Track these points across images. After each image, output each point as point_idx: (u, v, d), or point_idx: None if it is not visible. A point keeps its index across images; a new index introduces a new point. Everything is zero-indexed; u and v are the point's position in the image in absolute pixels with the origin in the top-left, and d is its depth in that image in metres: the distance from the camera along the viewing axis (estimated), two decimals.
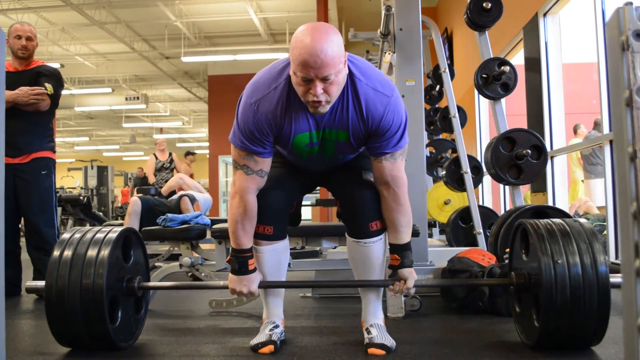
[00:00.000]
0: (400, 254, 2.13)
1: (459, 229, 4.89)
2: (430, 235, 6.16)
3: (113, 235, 2.18)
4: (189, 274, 3.60)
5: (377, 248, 2.16)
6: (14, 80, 3.52)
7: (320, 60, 1.75)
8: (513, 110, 6.50)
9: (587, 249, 1.97)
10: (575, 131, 6.85)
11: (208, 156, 17.28)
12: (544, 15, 5.42)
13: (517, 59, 6.52)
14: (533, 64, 5.63)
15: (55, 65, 14.47)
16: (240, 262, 2.12)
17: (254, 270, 2.16)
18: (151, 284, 2.51)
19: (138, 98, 17.84)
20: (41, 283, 2.14)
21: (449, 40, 9.69)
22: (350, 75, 1.94)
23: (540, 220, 2.14)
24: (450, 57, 9.62)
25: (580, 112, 7.98)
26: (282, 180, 2.20)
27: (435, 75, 5.96)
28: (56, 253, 2.13)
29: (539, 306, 2.02)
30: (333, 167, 2.26)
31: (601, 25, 4.34)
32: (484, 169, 4.11)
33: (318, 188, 2.61)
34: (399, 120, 1.99)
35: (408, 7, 3.39)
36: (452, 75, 5.50)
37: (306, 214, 14.02)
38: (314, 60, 1.75)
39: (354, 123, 1.98)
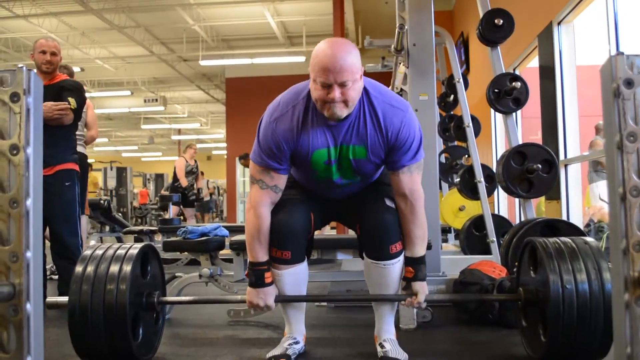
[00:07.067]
0: (414, 267, 2.20)
1: (472, 236, 4.93)
2: (445, 240, 6.21)
3: (134, 251, 2.26)
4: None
5: (395, 269, 2.22)
6: None
7: (339, 65, 1.90)
8: (530, 113, 6.50)
9: (593, 267, 2.03)
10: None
11: (226, 157, 17.42)
12: (558, 24, 5.44)
13: (534, 63, 6.52)
14: (547, 72, 5.65)
15: (76, 69, 14.69)
16: (257, 275, 2.19)
17: (271, 283, 2.21)
18: (170, 298, 2.62)
19: (156, 100, 18.14)
20: (62, 299, 2.18)
21: (465, 44, 9.66)
22: (366, 92, 2.06)
23: (549, 239, 2.21)
24: (467, 61, 9.58)
25: (596, 114, 7.95)
26: (300, 206, 2.26)
27: (449, 85, 5.99)
28: (79, 269, 2.17)
29: (546, 322, 2.09)
30: (351, 193, 2.32)
31: (613, 32, 4.37)
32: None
33: None
34: (414, 133, 2.09)
35: (421, 23, 3.45)
36: (466, 86, 5.53)
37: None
38: (333, 65, 1.90)
39: (372, 137, 2.08)
